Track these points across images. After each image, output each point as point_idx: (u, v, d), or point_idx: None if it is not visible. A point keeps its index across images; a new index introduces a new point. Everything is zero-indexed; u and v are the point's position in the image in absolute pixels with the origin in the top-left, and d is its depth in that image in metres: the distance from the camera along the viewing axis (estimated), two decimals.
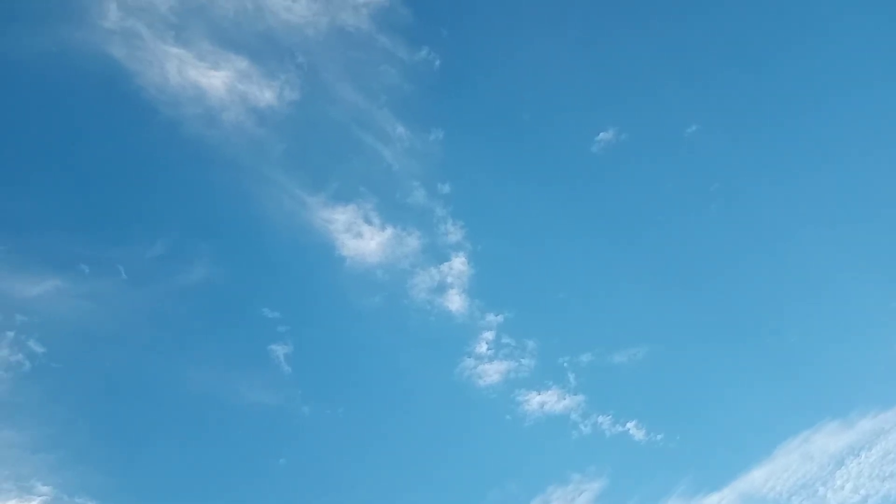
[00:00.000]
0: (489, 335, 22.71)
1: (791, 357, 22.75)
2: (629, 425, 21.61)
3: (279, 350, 20.91)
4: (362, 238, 22.43)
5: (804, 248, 23.34)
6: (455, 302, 23.08)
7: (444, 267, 23.48)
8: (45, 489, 17.56)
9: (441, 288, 23.35)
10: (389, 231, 22.94)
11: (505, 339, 22.74)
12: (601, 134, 25.56)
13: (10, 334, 18.94)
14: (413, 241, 23.59)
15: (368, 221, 22.89)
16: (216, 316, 25.96)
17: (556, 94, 26.25)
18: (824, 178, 24.41)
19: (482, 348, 22.36)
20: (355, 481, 23.12)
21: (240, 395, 23.11)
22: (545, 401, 22.03)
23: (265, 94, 21.80)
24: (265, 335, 21.72)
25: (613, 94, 26.95)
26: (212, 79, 19.71)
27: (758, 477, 20.00)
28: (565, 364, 22.78)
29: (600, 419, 21.91)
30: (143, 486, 21.64)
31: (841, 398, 21.44)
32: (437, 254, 23.85)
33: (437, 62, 25.19)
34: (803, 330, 23.23)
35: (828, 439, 20.59)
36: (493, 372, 22.16)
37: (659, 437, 21.40)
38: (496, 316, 23.19)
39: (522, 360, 22.51)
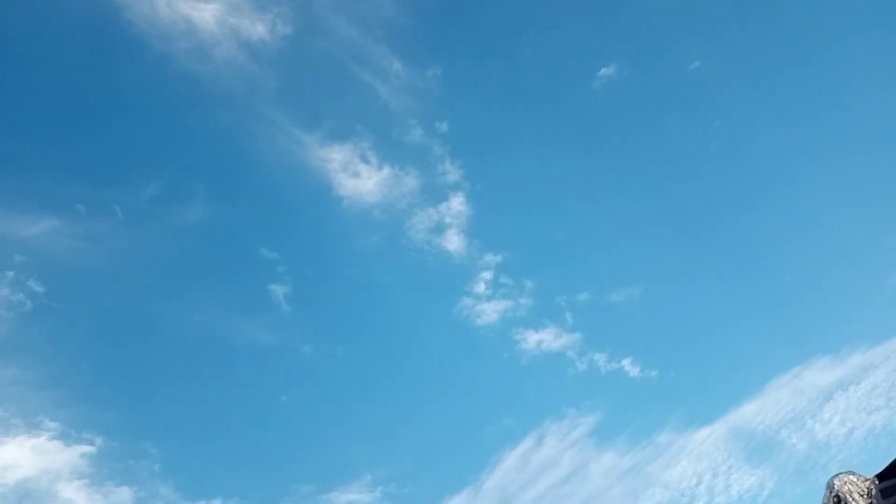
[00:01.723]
0: (487, 275, 22.96)
1: (784, 294, 22.82)
2: (624, 362, 22.07)
3: (278, 290, 21.27)
4: (359, 177, 22.36)
5: (801, 187, 23.13)
6: (453, 242, 23.18)
7: (443, 207, 23.52)
8: (52, 425, 18.08)
9: (439, 228, 23.44)
10: (387, 170, 22.89)
11: (503, 279, 23.00)
12: (602, 70, 24.90)
13: (10, 274, 19.09)
14: (411, 181, 23.57)
15: (365, 160, 22.77)
16: (214, 256, 25.95)
17: (557, 30, 25.43)
18: (825, 117, 23.94)
19: (480, 288, 22.64)
20: (356, 418, 23.65)
21: (240, 334, 23.42)
22: (542, 339, 22.42)
23: (257, 28, 21.16)
24: (264, 275, 21.96)
25: (615, 29, 26.10)
26: (202, 12, 19.11)
27: (748, 411, 20.52)
28: (562, 303, 23.08)
29: (596, 356, 22.36)
30: (146, 423, 22.16)
31: (832, 334, 21.61)
32: (435, 193, 23.80)
33: None
34: (797, 267, 23.22)
35: (818, 374, 20.90)
36: (491, 311, 22.50)
37: (653, 373, 21.83)
38: (494, 256, 23.39)
39: (520, 299, 22.81)
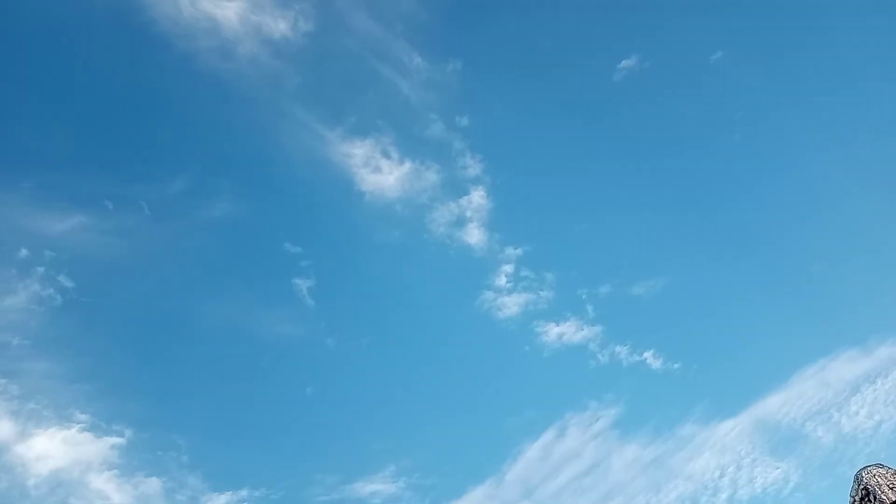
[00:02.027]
0: (508, 268, 22.99)
1: (810, 285, 22.62)
2: (646, 355, 22.00)
3: (302, 284, 21.50)
4: (381, 172, 22.47)
5: (826, 176, 22.87)
6: (474, 235, 23.24)
7: (463, 200, 23.57)
8: (82, 417, 18.46)
9: (460, 222, 23.51)
10: (408, 165, 22.98)
11: (524, 272, 23.03)
12: (623, 62, 24.79)
13: (41, 269, 19.47)
14: (432, 175, 23.64)
15: (387, 155, 22.86)
16: (239, 251, 26.35)
17: (577, 22, 25.35)
18: (850, 106, 23.65)
19: (501, 281, 22.68)
20: (379, 409, 23.88)
21: (265, 327, 23.76)
22: (564, 332, 22.42)
23: (279, 25, 21.33)
24: (288, 269, 22.21)
25: (636, 20, 25.96)
26: (225, 10, 19.31)
27: (773, 403, 20.37)
28: (584, 296, 23.07)
29: (618, 349, 22.33)
30: (174, 415, 22.58)
31: (859, 325, 21.42)
32: (455, 187, 23.86)
33: None
34: (823, 258, 23.01)
35: (845, 366, 20.71)
36: (512, 304, 22.54)
37: (676, 365, 21.75)
38: (515, 249, 23.42)
39: (541, 292, 22.83)
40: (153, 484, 17.72)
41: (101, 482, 17.33)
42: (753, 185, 25.47)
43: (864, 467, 9.63)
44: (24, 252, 18.98)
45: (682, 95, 26.40)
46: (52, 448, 17.30)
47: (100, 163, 23.55)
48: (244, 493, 17.73)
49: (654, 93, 26.43)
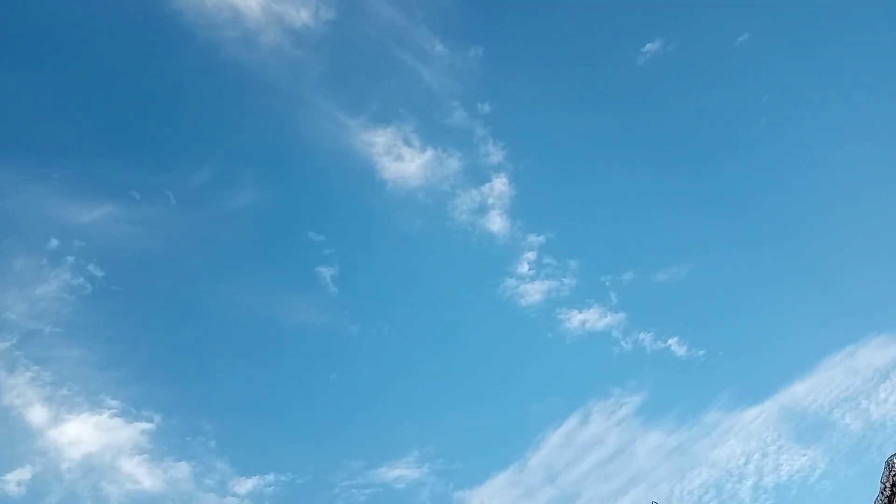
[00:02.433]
0: (531, 255, 22.97)
1: (838, 271, 22.30)
2: (671, 342, 21.88)
3: (326, 272, 21.67)
4: (403, 160, 22.51)
5: (855, 164, 22.47)
6: (496, 223, 23.23)
7: (486, 188, 23.54)
8: (113, 403, 18.84)
9: (482, 209, 23.49)
10: (430, 153, 22.98)
11: (547, 259, 22.99)
12: (647, 45, 24.47)
13: (71, 259, 19.84)
14: (454, 163, 23.62)
15: (409, 143, 22.88)
16: (263, 239, 26.54)
17: (600, 4, 25.04)
18: (879, 88, 23.11)
19: (524, 268, 22.67)
20: (403, 396, 24.01)
21: (290, 314, 23.97)
22: (586, 319, 22.37)
23: (301, 14, 21.36)
24: (311, 258, 22.38)
25: (660, 2, 25.51)
26: (248, 0, 19.34)
27: (800, 390, 20.18)
28: (607, 283, 22.97)
29: (641, 336, 22.23)
30: (202, 401, 22.87)
31: (888, 311, 21.09)
32: (478, 175, 23.82)
33: None
34: (851, 243, 22.65)
35: (873, 353, 20.42)
36: (534, 292, 22.52)
37: (700, 352, 21.61)
38: (538, 236, 23.37)
39: (564, 279, 22.77)
40: (182, 468, 18.09)
41: (132, 466, 17.73)
42: (780, 170, 25.11)
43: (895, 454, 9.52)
44: (54, 242, 19.36)
45: (707, 79, 26.05)
46: (84, 433, 17.73)
47: (126, 153, 23.88)
48: (271, 477, 18.02)
49: (679, 76, 26.10)
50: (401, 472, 18.49)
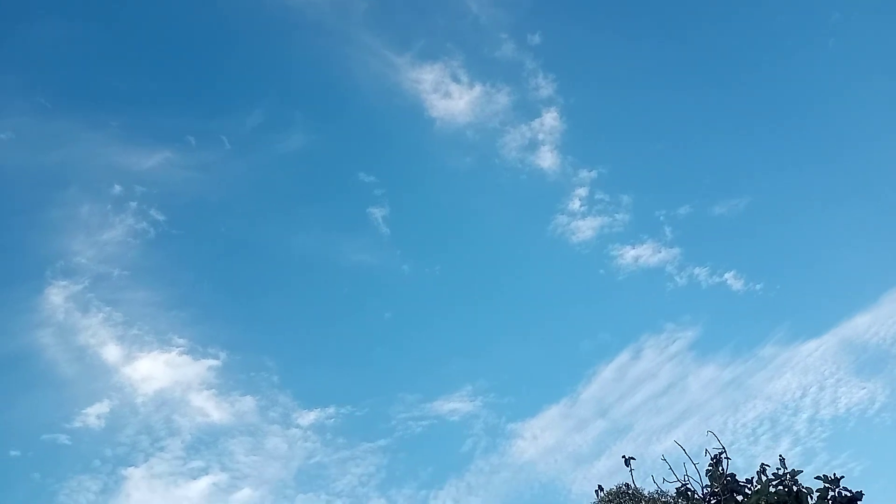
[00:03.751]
0: (582, 191, 22.68)
1: None
2: (727, 276, 21.53)
3: (377, 213, 21.93)
4: (451, 98, 22.28)
5: None
6: (547, 159, 22.95)
7: (535, 123, 23.19)
8: (181, 341, 19.80)
9: (532, 145, 23.21)
10: (478, 89, 22.66)
11: (599, 195, 22.67)
12: None
13: (134, 204, 20.59)
14: (502, 98, 23.27)
15: (456, 79, 22.61)
16: (315, 182, 26.81)
17: None
18: None
19: (575, 205, 22.45)
20: (456, 333, 24.45)
21: (343, 255, 24.43)
22: (640, 254, 22.15)
23: None
24: (363, 199, 22.63)
25: None
26: None
27: (861, 323, 19.74)
28: (662, 217, 22.59)
29: (697, 271, 21.92)
30: (264, 338, 23.72)
31: None
32: (527, 110, 23.45)
33: None
34: None
35: None
36: (586, 228, 22.35)
37: (758, 286, 21.24)
38: (590, 172, 22.99)
39: (617, 215, 22.49)
40: (248, 402, 18.97)
41: (201, 400, 18.69)
42: (846, 94, 23.76)
43: None
44: (117, 188, 20.00)
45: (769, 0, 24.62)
46: (155, 370, 18.73)
47: (179, 99, 24.24)
48: (331, 410, 18.75)
49: None
50: (455, 406, 19.00)
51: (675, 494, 3.30)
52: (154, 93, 25.37)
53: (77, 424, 18.20)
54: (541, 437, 19.53)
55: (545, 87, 23.84)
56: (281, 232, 25.13)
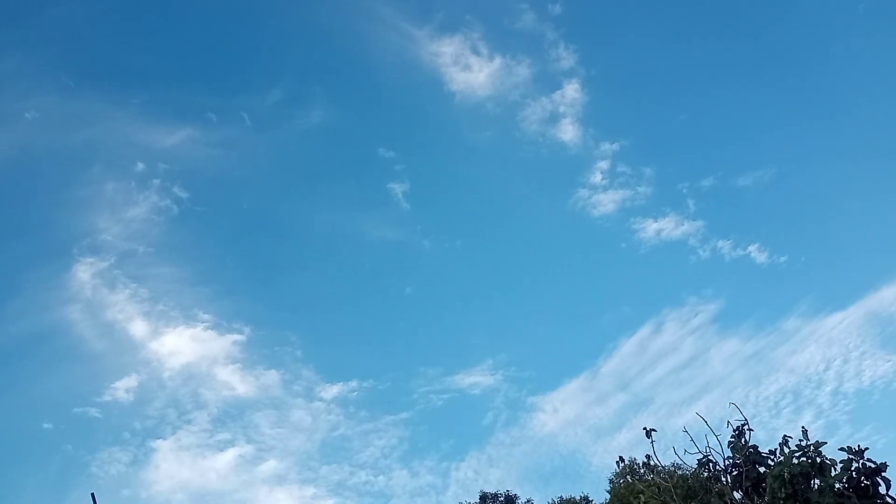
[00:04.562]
0: (604, 164, 22.41)
1: None
2: (750, 248, 21.26)
3: (397, 188, 21.89)
4: (471, 70, 22.03)
5: None
6: (568, 132, 22.66)
7: (556, 95, 22.86)
8: (206, 316, 20.05)
9: (553, 118, 22.92)
10: (498, 61, 22.36)
11: (621, 168, 22.39)
12: None
13: (157, 181, 20.74)
14: (523, 70, 22.96)
15: (476, 52, 22.32)
16: (336, 158, 26.81)
17: None
18: None
19: (597, 178, 22.20)
20: (476, 307, 24.48)
21: (364, 231, 24.48)
22: (662, 227, 21.92)
23: None
24: (383, 174, 22.61)
25: None
26: None
27: (887, 295, 19.43)
28: (684, 190, 22.27)
29: (720, 244, 21.66)
30: (287, 313, 23.94)
31: None
32: (548, 82, 23.13)
33: None
34: None
35: None
36: (607, 201, 22.12)
37: (782, 259, 20.96)
38: (611, 144, 22.69)
39: (639, 187, 22.21)
40: (272, 376, 19.25)
41: (227, 374, 19.01)
42: (876, 65, 23.15)
43: None
44: (140, 166, 20.18)
45: None
46: (181, 344, 19.05)
47: (201, 77, 24.27)
48: (354, 383, 18.97)
49: None
50: (476, 379, 19.12)
51: (696, 466, 3.30)
52: (175, 70, 25.44)
53: (107, 398, 18.61)
54: (561, 410, 19.61)
55: (566, 58, 23.47)
56: (302, 208, 25.26)
